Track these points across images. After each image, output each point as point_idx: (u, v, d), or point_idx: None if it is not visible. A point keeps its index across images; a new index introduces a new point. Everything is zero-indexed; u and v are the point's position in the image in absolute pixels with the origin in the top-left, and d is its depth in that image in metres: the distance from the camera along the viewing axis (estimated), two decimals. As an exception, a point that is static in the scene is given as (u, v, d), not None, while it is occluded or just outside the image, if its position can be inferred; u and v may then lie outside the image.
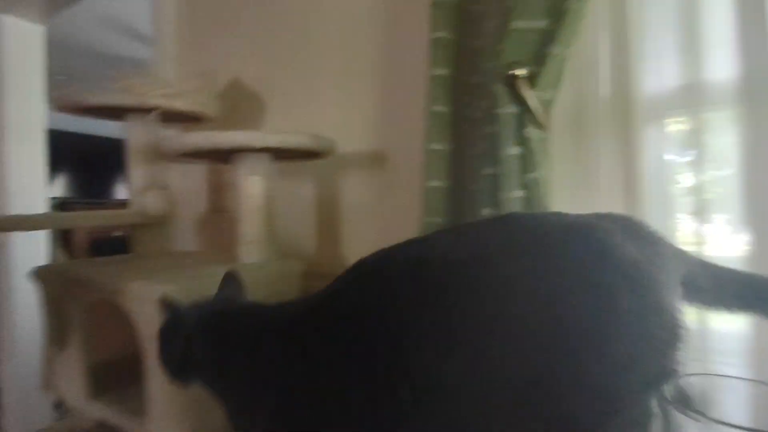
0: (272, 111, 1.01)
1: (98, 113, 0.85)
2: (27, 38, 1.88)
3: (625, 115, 0.62)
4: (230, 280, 0.51)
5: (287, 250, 0.87)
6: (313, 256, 0.94)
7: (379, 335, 0.34)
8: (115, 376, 0.78)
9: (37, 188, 1.90)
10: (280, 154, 0.73)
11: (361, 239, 0.90)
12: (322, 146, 0.72)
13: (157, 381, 0.60)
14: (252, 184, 0.72)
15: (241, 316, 0.44)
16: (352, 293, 0.38)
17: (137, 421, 0.65)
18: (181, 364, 0.44)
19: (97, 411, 0.71)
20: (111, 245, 2.96)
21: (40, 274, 0.77)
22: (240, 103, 1.05)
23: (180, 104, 0.82)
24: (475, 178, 0.67)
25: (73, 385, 0.73)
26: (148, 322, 0.59)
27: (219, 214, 1.13)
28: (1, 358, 1.84)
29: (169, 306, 0.45)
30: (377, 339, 0.34)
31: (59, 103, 0.80)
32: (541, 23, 0.59)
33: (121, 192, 4.39)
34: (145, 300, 0.59)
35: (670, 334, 0.31)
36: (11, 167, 1.79)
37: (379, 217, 0.87)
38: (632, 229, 0.37)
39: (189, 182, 1.16)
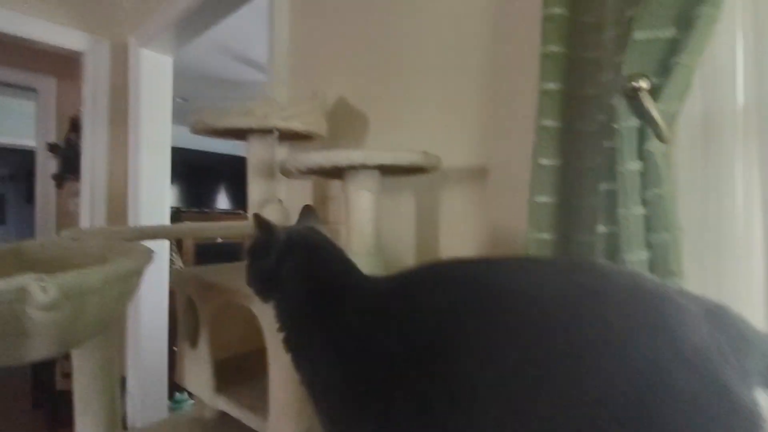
0: (375, 127, 1.05)
1: (225, 134, 0.95)
2: (158, 68, 2.15)
3: (765, 124, 0.56)
4: (308, 212, 0.55)
5: (388, 263, 0.90)
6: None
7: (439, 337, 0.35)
8: (237, 372, 0.87)
9: (163, 199, 2.17)
10: (388, 169, 0.77)
11: (461, 253, 0.90)
12: (431, 163, 0.74)
13: (278, 379, 0.65)
14: (362, 199, 0.76)
15: (329, 255, 0.47)
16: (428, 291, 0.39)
17: (256, 416, 0.71)
18: (267, 280, 0.47)
19: (222, 404, 0.78)
20: (214, 251, 3.27)
21: (176, 279, 0.87)
22: (345, 121, 1.11)
23: (296, 125, 0.89)
24: (589, 193, 0.64)
25: (202, 380, 0.81)
26: (272, 325, 0.65)
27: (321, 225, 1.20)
28: (127, 353, 2.10)
29: (262, 224, 0.48)
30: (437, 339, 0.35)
31: (196, 126, 0.91)
32: (667, 32, 0.56)
33: (221, 202, 4.82)
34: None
35: (744, 422, 0.28)
36: (144, 180, 2.06)
37: (479, 231, 0.87)
38: (716, 314, 0.33)
39: (295, 196, 1.25)
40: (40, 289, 0.47)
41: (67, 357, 2.26)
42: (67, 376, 2.38)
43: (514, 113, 0.82)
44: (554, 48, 0.66)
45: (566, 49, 0.67)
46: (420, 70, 0.97)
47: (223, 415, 0.94)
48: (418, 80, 0.98)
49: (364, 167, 0.74)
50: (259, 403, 0.75)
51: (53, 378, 2.29)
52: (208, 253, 3.28)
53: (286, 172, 0.80)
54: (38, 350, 0.52)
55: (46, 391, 2.36)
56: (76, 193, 2.58)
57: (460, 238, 0.90)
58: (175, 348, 2.42)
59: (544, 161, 0.67)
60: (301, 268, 0.46)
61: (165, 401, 2.19)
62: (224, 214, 4.56)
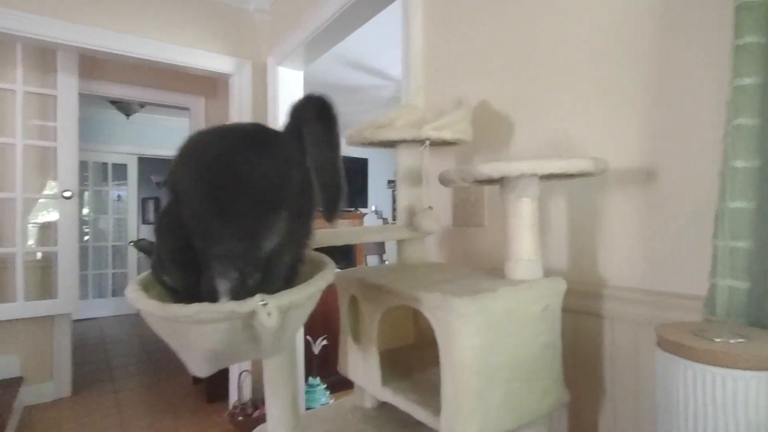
0: (521, 130, 1.05)
1: (376, 144, 1.02)
2: (292, 82, 2.35)
3: None
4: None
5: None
6: (567, 274, 0.95)
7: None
8: (395, 365, 0.93)
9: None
10: (549, 175, 0.76)
11: (622, 259, 0.86)
12: (600, 168, 0.72)
13: (450, 377, 0.69)
14: (523, 206, 0.77)
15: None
16: None
17: (425, 410, 0.76)
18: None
19: (388, 396, 0.85)
20: (339, 250, 3.52)
21: (339, 279, 0.96)
22: (487, 125, 1.12)
23: (447, 135, 0.93)
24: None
25: (368, 373, 0.89)
26: (443, 327, 0.69)
27: (461, 229, 1.23)
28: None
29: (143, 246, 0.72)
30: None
31: (352, 139, 0.99)
32: None
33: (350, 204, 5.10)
34: (440, 308, 0.69)
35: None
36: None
37: (644, 236, 0.83)
38: None
39: (434, 199, 1.29)
40: (266, 314, 0.56)
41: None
42: (220, 357, 2.73)
43: (689, 111, 0.76)
44: (751, 39, 0.60)
45: (766, 40, 0.60)
46: (571, 68, 0.94)
47: (382, 405, 1.01)
48: (568, 79, 0.95)
49: (525, 175, 0.75)
50: (425, 398, 0.80)
51: (210, 359, 2.64)
52: (335, 251, 3.52)
53: (447, 182, 0.83)
54: (267, 352, 0.62)
55: (204, 369, 2.73)
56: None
57: (621, 244, 0.86)
58: (308, 337, 2.62)
59: (740, 163, 0.62)
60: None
61: (303, 385, 2.40)
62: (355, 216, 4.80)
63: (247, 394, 2.37)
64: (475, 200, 1.18)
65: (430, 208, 0.98)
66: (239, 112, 2.44)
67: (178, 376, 3.11)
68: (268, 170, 0.58)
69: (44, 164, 2.72)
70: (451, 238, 1.26)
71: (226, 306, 0.55)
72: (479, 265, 1.16)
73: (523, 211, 0.77)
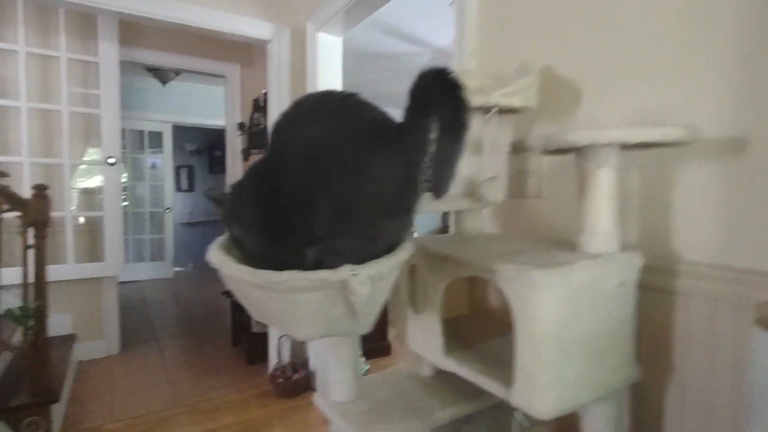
0: (589, 98, 1.00)
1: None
2: (331, 48, 2.30)
3: None
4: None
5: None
6: (636, 248, 0.91)
7: None
8: (458, 335, 0.93)
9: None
10: (631, 145, 0.72)
11: (700, 233, 0.82)
12: (692, 137, 0.68)
13: (527, 351, 0.68)
14: (601, 176, 0.74)
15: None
16: None
17: (493, 381, 0.76)
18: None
19: (452, 366, 0.85)
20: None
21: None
22: (550, 93, 1.07)
23: (516, 101, 0.89)
24: None
25: (429, 343, 0.89)
26: (521, 299, 0.68)
27: (516, 200, 1.20)
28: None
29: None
30: None
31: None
32: None
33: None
34: (517, 280, 0.67)
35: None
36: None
37: (727, 210, 0.78)
38: None
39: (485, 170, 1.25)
40: (357, 282, 0.56)
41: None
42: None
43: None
44: None
45: None
46: (649, 29, 0.88)
47: (439, 373, 1.02)
48: (645, 42, 0.89)
49: (608, 144, 0.71)
50: (491, 368, 0.80)
51: (249, 322, 2.73)
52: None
53: (522, 150, 0.80)
54: (361, 325, 0.63)
55: (244, 333, 2.83)
56: (261, 166, 2.96)
57: (702, 218, 0.82)
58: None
59: None
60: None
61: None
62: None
63: (286, 357, 2.45)
64: (533, 171, 1.14)
65: (495, 177, 0.95)
66: (278, 80, 2.42)
67: (217, 338, 3.23)
68: (395, 173, 0.56)
69: (87, 131, 2.77)
70: (505, 210, 1.24)
71: (317, 274, 0.55)
72: (536, 237, 1.14)
73: (603, 182, 0.74)
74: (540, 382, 0.67)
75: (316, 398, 0.93)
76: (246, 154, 3.13)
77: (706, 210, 0.82)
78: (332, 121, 0.58)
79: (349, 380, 0.88)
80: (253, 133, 3.00)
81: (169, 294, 4.73)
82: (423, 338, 0.91)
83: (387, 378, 1.01)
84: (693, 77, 0.82)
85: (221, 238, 0.68)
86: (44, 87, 2.59)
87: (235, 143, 3.32)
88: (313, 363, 2.40)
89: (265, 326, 2.72)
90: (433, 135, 0.59)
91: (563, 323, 0.67)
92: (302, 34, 2.39)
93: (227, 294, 3.07)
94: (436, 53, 3.87)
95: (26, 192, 2.04)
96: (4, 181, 1.87)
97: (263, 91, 2.94)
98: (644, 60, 0.89)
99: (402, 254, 0.64)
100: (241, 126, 3.15)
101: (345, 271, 0.56)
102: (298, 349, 2.48)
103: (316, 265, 0.58)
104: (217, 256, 0.60)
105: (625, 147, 0.75)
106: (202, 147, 6.36)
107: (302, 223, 0.58)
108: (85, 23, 2.67)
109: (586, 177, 0.75)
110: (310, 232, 0.57)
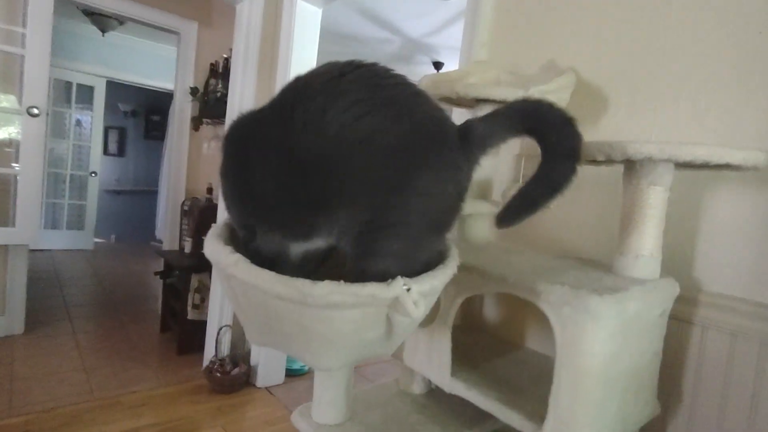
0: (617, 106, 0.93)
1: (461, 103, 0.88)
2: (310, 18, 2.12)
3: None
4: None
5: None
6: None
7: None
8: (456, 351, 0.83)
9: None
10: (685, 164, 0.66)
11: (725, 264, 0.79)
12: (766, 163, 0.62)
13: (569, 385, 0.59)
14: (654, 195, 0.67)
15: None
16: None
17: (512, 411, 0.67)
18: None
19: (460, 390, 0.75)
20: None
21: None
22: (574, 95, 0.99)
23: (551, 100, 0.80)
24: None
25: (434, 361, 0.78)
26: (569, 327, 0.59)
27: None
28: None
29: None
30: None
31: (430, 92, 0.84)
32: None
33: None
34: (570, 306, 0.58)
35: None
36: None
37: (758, 242, 0.75)
38: None
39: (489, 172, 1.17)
40: (411, 302, 0.44)
41: (198, 290, 2.39)
42: (197, 307, 2.57)
43: None
44: None
45: None
46: (686, 38, 0.83)
47: (431, 391, 0.92)
48: (683, 52, 0.84)
49: (665, 161, 0.64)
50: (509, 396, 0.71)
51: (185, 308, 2.48)
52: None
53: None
54: (393, 347, 0.50)
55: (176, 319, 2.57)
56: (214, 137, 2.69)
57: (725, 249, 0.78)
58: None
59: None
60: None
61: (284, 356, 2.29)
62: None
63: (226, 350, 2.25)
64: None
65: (517, 181, 0.86)
66: (245, 46, 2.19)
67: (141, 322, 2.92)
68: (447, 189, 0.50)
69: (6, 74, 2.36)
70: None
71: (365, 288, 0.42)
72: (540, 249, 1.07)
73: (654, 201, 0.67)
74: (579, 421, 0.59)
75: (295, 418, 0.79)
76: (197, 122, 2.84)
77: (735, 240, 0.78)
78: (381, 118, 0.47)
79: (340, 401, 0.76)
80: (209, 100, 2.72)
81: (87, 268, 4.25)
82: (426, 356, 0.81)
83: (375, 396, 0.89)
84: (735, 99, 0.78)
85: (216, 229, 0.53)
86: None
87: (184, 109, 3.00)
88: (255, 358, 2.22)
89: (202, 313, 2.48)
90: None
91: (613, 357, 0.59)
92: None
93: (161, 274, 2.78)
94: (406, 43, 3.76)
95: None
96: None
97: (224, 56, 2.67)
98: (685, 75, 0.84)
99: (453, 266, 0.52)
100: (194, 91, 2.84)
101: (399, 287, 0.43)
102: (239, 342, 2.29)
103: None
104: (225, 255, 0.45)
105: (678, 166, 0.69)
106: (138, 109, 5.79)
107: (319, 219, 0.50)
108: (14, -55, 2.25)
109: (636, 195, 0.68)
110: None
